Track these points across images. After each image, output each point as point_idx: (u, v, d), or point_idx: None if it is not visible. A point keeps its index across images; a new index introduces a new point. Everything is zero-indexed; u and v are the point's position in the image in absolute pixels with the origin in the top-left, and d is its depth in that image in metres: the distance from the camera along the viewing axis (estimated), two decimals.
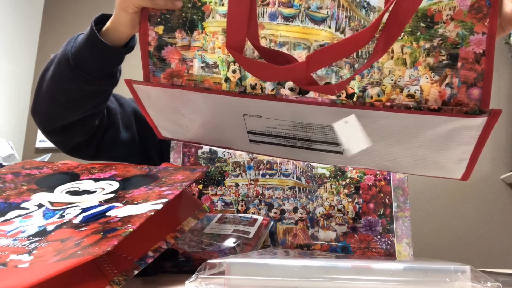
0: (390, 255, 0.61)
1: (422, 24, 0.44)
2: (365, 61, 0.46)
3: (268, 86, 0.50)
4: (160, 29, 0.53)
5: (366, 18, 0.45)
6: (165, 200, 0.38)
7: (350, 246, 0.63)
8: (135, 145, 0.82)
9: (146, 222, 0.34)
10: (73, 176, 0.49)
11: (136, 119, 0.83)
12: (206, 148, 0.71)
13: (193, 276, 0.32)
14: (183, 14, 0.52)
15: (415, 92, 0.45)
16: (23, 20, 2.59)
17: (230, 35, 0.44)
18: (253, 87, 0.51)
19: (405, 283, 0.29)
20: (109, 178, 0.48)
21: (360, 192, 0.64)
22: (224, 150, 0.71)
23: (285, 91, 0.49)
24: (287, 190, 0.66)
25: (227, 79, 0.52)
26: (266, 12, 0.50)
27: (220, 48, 0.52)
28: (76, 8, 2.66)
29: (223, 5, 0.51)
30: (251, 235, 0.56)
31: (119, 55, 0.64)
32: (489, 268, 0.58)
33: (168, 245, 0.38)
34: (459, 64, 0.43)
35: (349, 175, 0.65)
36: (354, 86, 0.47)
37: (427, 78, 0.44)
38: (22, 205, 0.42)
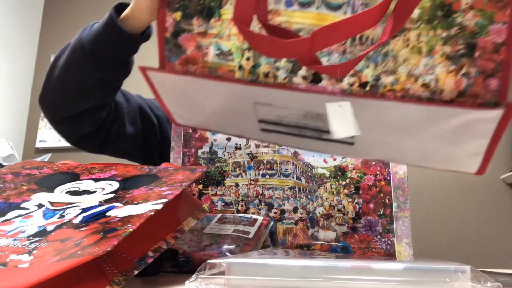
0: (390, 255, 0.61)
1: (439, 13, 0.43)
2: (380, 48, 0.45)
3: (281, 74, 0.49)
4: (178, 15, 0.53)
5: None
6: (165, 200, 0.38)
7: (350, 246, 0.63)
8: (138, 140, 0.83)
9: (146, 222, 0.34)
10: (73, 176, 0.49)
11: (141, 115, 0.84)
12: (206, 148, 0.71)
13: (193, 276, 0.32)
14: (201, 1, 0.52)
15: (430, 82, 0.44)
16: (23, 20, 2.59)
17: (237, 8, 0.43)
18: (266, 75, 0.50)
19: (405, 283, 0.29)
20: (109, 178, 0.48)
21: (360, 192, 0.64)
22: (224, 150, 0.70)
23: (297, 79, 0.49)
24: (287, 190, 0.66)
25: (240, 67, 0.51)
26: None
27: (235, 35, 0.52)
28: (76, 8, 2.66)
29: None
30: (251, 235, 0.56)
31: (136, 42, 0.64)
32: (489, 268, 0.58)
33: (168, 245, 0.38)
34: (476, 53, 0.42)
35: (349, 175, 0.65)
36: (368, 74, 0.46)
37: (443, 67, 0.43)
38: (22, 205, 0.42)
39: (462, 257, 1.78)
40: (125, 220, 0.35)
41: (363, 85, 0.46)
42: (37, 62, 2.66)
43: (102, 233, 0.33)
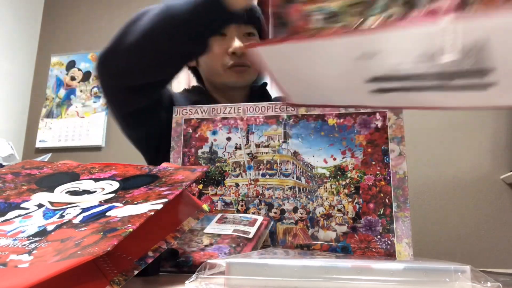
0: (390, 255, 0.61)
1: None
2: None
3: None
4: None
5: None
6: (165, 200, 0.38)
7: (350, 246, 0.63)
8: (164, 128, 0.81)
9: (146, 222, 0.34)
10: (73, 176, 0.49)
11: (169, 107, 0.82)
12: (206, 148, 0.71)
13: (193, 276, 0.32)
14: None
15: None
16: (23, 20, 2.59)
17: None
18: None
19: (405, 283, 0.29)
20: (109, 178, 0.48)
21: (360, 192, 0.64)
22: (224, 150, 0.70)
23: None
24: (287, 190, 0.66)
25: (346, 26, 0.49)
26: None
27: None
28: (76, 8, 2.66)
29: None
30: (251, 235, 0.56)
31: (230, 19, 0.64)
32: (489, 268, 0.58)
33: (168, 245, 0.38)
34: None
35: (349, 175, 0.65)
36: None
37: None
38: (22, 205, 0.42)
39: (462, 257, 1.78)
40: (125, 220, 0.35)
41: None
42: (37, 62, 2.66)
43: (102, 233, 0.33)
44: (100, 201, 0.41)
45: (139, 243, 0.35)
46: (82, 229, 0.35)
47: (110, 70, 0.70)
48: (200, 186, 0.69)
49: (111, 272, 0.31)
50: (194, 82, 1.04)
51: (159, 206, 0.36)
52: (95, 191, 0.44)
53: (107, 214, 0.37)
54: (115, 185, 0.45)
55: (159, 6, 0.66)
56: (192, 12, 0.62)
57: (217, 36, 0.83)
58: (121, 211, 0.37)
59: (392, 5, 0.45)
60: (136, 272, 0.33)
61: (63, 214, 0.39)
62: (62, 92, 2.53)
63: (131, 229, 0.32)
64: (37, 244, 0.33)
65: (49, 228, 0.36)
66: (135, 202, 0.39)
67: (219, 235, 0.55)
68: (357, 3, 0.47)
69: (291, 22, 0.51)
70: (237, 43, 0.88)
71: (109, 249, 0.29)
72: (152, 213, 0.35)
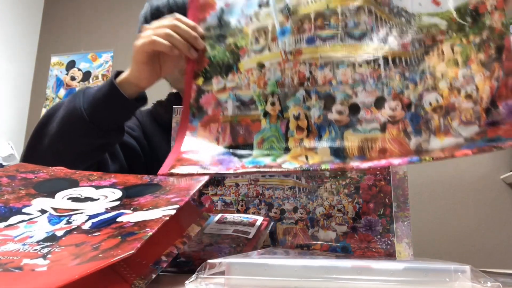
0: (390, 255, 0.61)
1: (468, 19, 0.41)
2: (415, 67, 0.43)
3: (314, 114, 0.47)
4: (200, 81, 0.54)
5: (407, 25, 0.43)
6: (177, 206, 0.39)
7: (350, 246, 0.63)
8: (124, 169, 0.82)
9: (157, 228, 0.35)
10: (72, 183, 0.49)
11: (122, 148, 0.82)
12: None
13: (193, 276, 0.32)
14: (221, 63, 0.53)
15: (472, 92, 0.42)
16: (23, 20, 2.59)
17: None
18: (297, 118, 0.48)
19: (405, 283, 0.29)
20: (110, 186, 0.48)
21: (360, 192, 0.64)
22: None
23: (333, 115, 0.46)
24: (287, 190, 0.66)
25: (266, 114, 0.51)
26: (303, 39, 0.45)
27: (255, 83, 0.50)
28: (76, 8, 2.66)
29: (258, 42, 0.50)
30: (251, 235, 0.56)
31: (134, 107, 0.67)
32: (489, 268, 0.58)
33: (178, 250, 0.38)
34: (504, 55, 0.41)
35: (349, 174, 0.65)
36: (410, 95, 0.44)
37: (481, 76, 0.41)
38: (23, 210, 0.42)
39: (462, 257, 1.77)
40: (141, 224, 0.35)
41: (407, 106, 0.44)
42: (37, 62, 2.66)
43: (119, 237, 0.33)
44: (107, 208, 0.41)
45: (153, 248, 0.35)
46: (94, 234, 0.35)
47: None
48: None
49: (130, 276, 0.31)
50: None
51: (173, 212, 0.37)
52: (98, 199, 0.44)
53: (118, 220, 0.38)
54: (118, 193, 0.46)
55: (65, 106, 0.66)
56: (97, 108, 0.63)
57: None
58: (132, 217, 0.38)
59: (308, 100, 0.48)
60: (154, 276, 0.33)
61: (70, 220, 0.39)
62: (62, 92, 2.53)
63: (150, 233, 0.33)
64: (49, 248, 0.33)
65: (59, 233, 0.36)
66: (145, 209, 0.39)
67: (219, 235, 0.55)
68: (271, 93, 0.50)
69: (207, 111, 0.54)
70: None
71: (133, 251, 0.29)
72: (167, 218, 0.36)
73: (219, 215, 0.61)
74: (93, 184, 0.49)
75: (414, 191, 1.88)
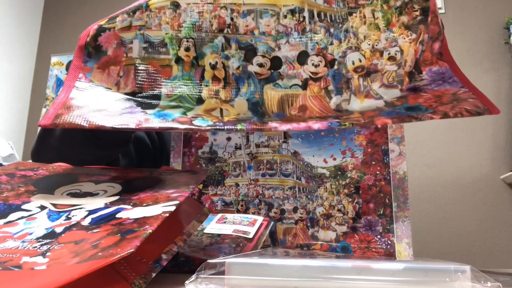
0: (390, 255, 0.61)
1: None
2: (340, 25, 0.41)
3: (233, 64, 0.42)
4: (103, 21, 0.47)
5: None
6: (177, 202, 0.38)
7: (350, 246, 0.63)
8: (133, 163, 0.83)
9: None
10: (71, 178, 0.49)
11: (133, 142, 0.81)
12: (206, 148, 0.71)
13: (193, 276, 0.32)
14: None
15: (395, 54, 0.41)
16: (23, 20, 2.58)
17: None
18: (214, 67, 0.43)
19: (405, 283, 0.29)
20: (109, 181, 0.47)
21: (360, 192, 0.64)
22: (224, 150, 0.70)
23: (253, 68, 0.42)
24: (287, 190, 0.66)
25: (178, 60, 0.44)
26: None
27: (168, 23, 0.43)
28: (76, 8, 2.65)
29: None
30: (251, 235, 0.56)
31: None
32: (489, 268, 0.58)
33: (178, 248, 0.37)
34: (429, 18, 0.40)
35: (349, 175, 0.65)
36: (333, 51, 0.42)
37: (404, 38, 0.40)
38: (23, 207, 0.42)
39: (462, 257, 1.78)
40: (141, 221, 0.35)
41: (330, 63, 0.42)
42: (37, 62, 2.66)
43: (119, 234, 0.32)
44: (106, 203, 0.41)
45: (153, 246, 0.35)
46: (94, 231, 0.34)
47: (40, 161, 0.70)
48: (200, 186, 0.69)
49: (130, 275, 0.31)
50: None
51: (172, 208, 0.36)
52: (98, 193, 0.44)
53: (117, 216, 0.37)
54: (117, 187, 0.45)
55: None
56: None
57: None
58: (132, 213, 0.37)
59: (227, 48, 0.43)
60: (154, 274, 0.32)
61: (69, 216, 0.39)
62: None
63: (150, 231, 0.32)
64: (49, 246, 0.33)
65: (58, 230, 0.36)
66: (145, 204, 0.39)
67: (219, 235, 0.55)
68: (186, 37, 0.43)
69: (106, 51, 0.45)
70: None
71: (132, 250, 0.29)
72: (167, 214, 0.35)
73: (219, 215, 0.61)
74: (92, 179, 0.49)
75: (414, 191, 1.88)
